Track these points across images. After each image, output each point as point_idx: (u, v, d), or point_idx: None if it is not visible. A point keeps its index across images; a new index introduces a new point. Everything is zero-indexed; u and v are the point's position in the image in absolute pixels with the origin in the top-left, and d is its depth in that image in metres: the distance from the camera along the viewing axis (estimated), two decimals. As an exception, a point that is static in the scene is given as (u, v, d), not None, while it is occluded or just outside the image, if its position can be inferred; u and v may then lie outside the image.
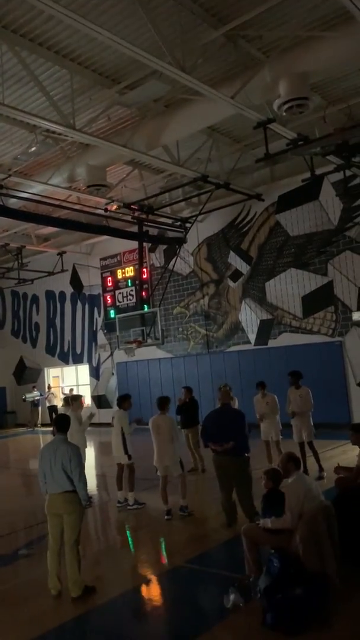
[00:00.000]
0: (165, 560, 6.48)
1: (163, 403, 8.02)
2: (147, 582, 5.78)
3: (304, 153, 11.24)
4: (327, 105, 11.34)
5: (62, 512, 5.29)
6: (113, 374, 20.92)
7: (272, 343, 16.42)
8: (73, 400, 9.48)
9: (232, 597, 4.67)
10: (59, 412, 11.64)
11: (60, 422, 5.65)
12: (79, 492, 5.28)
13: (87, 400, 20.83)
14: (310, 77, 9.10)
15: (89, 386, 21.93)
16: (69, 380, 23.38)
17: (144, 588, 5.63)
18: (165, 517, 7.61)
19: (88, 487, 5.50)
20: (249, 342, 16.98)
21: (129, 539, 7.55)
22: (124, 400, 8.76)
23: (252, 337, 16.92)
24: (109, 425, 9.07)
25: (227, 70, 9.87)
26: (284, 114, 9.34)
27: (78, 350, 22.50)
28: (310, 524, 4.75)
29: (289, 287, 16.04)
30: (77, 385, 22.34)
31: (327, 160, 12.14)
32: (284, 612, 4.25)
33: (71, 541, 5.26)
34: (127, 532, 7.78)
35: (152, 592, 5.57)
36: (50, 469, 5.33)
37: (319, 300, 15.43)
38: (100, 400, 20.96)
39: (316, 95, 9.38)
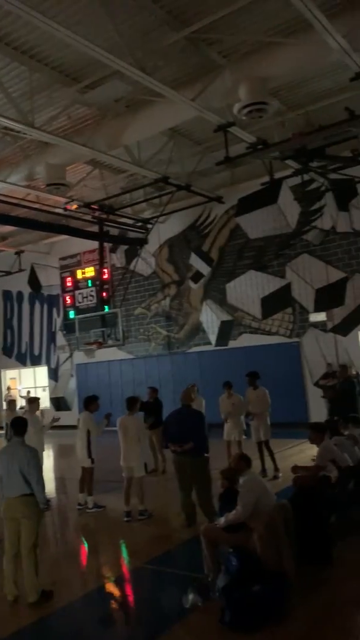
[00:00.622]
0: (125, 561, 6.46)
1: (131, 403, 7.96)
2: (107, 584, 5.74)
3: (263, 157, 11.44)
4: (286, 111, 11.58)
5: (19, 516, 5.19)
6: (72, 375, 20.69)
7: (232, 344, 16.60)
8: (30, 402, 9.34)
9: (190, 597, 4.69)
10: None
11: (17, 425, 5.55)
12: (36, 496, 5.21)
13: (46, 403, 20.56)
14: (270, 82, 9.27)
15: (47, 388, 21.60)
16: (26, 382, 22.96)
17: (103, 590, 5.58)
18: (125, 518, 7.58)
19: (46, 490, 5.42)
20: (209, 342, 17.11)
21: (89, 541, 7.48)
22: (90, 403, 8.57)
23: (212, 338, 17.06)
24: (68, 427, 8.96)
25: (188, 73, 9.92)
26: (244, 118, 9.48)
27: (36, 352, 22.12)
28: (268, 523, 4.83)
29: (249, 288, 16.26)
30: (35, 387, 21.96)
31: (285, 165, 12.38)
32: (241, 610, 4.30)
33: (28, 545, 5.17)
34: (87, 535, 7.70)
35: (112, 594, 5.53)
36: (7, 472, 5.24)
37: (277, 302, 15.70)
38: (59, 403, 20.72)
39: (275, 100, 9.54)
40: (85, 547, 7.28)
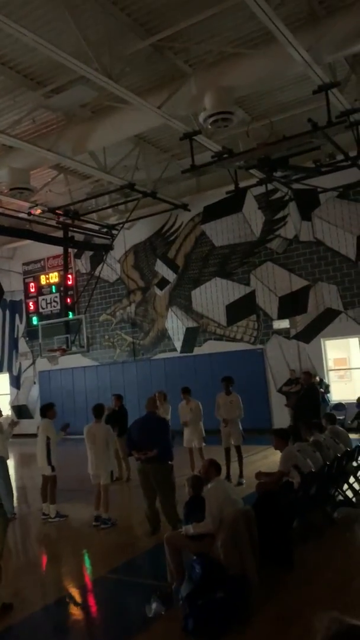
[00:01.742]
0: (88, 571, 6.36)
1: (98, 411, 7.90)
2: (69, 594, 5.64)
3: (228, 166, 11.54)
4: (250, 121, 11.75)
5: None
6: (35, 383, 20.35)
7: (197, 350, 16.66)
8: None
9: (153, 605, 4.65)
10: None
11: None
12: (4, 504, 5.08)
13: (7, 411, 20.12)
14: (235, 92, 9.40)
15: (8, 396, 21.17)
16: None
17: (66, 601, 5.48)
18: (93, 523, 7.51)
19: (7, 500, 5.29)
20: (175, 349, 17.12)
21: (51, 551, 7.34)
22: (48, 410, 8.49)
23: (178, 344, 17.08)
24: (30, 436, 8.80)
25: (154, 81, 9.97)
26: (210, 126, 9.57)
27: (-2, 358, 21.68)
28: (231, 529, 4.84)
29: (214, 295, 16.37)
30: (-3, 395, 21.50)
31: (250, 174, 12.54)
32: (204, 617, 4.29)
33: (-10, 556, 5.04)
34: (49, 544, 7.56)
35: (74, 604, 5.43)
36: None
37: (242, 309, 15.86)
38: (20, 411, 20.33)
39: (240, 110, 9.68)
40: (47, 557, 7.14)
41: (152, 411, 7.44)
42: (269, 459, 10.18)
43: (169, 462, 6.93)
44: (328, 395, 14.06)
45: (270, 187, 13.75)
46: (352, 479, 7.74)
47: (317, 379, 13.64)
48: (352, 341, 15.06)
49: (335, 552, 5.86)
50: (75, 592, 5.67)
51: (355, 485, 7.78)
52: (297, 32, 7.94)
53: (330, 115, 9.36)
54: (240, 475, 9.36)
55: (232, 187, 12.70)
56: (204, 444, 10.00)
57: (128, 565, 6.17)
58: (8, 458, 8.61)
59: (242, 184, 12.76)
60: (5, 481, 5.17)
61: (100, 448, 7.61)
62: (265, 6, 6.91)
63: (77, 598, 5.55)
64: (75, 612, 5.29)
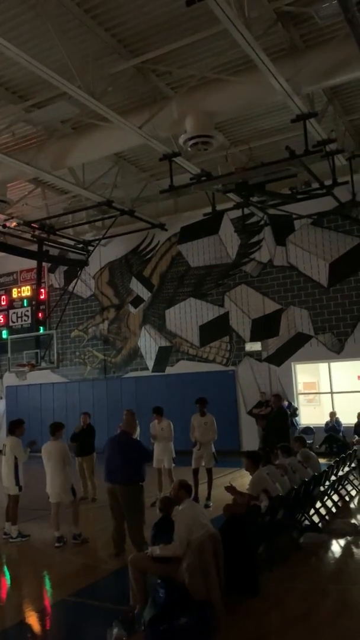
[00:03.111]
0: (47, 594, 6.17)
1: (55, 429, 7.78)
2: (28, 619, 5.44)
3: (206, 188, 11.68)
4: (230, 145, 11.96)
5: None
6: (1, 398, 19.93)
7: (169, 370, 16.60)
8: None
9: (115, 630, 4.52)
10: None
11: None
12: None
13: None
14: (215, 117, 9.56)
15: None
16: None
17: (23, 626, 5.28)
18: (56, 544, 7.32)
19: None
20: (146, 368, 17.03)
21: (10, 573, 7.09)
22: (16, 427, 8.26)
23: (150, 363, 17.00)
24: (-4, 453, 8.56)
25: (136, 101, 10.08)
26: (189, 149, 9.69)
27: (-35, 372, 21.17)
28: (198, 553, 4.77)
29: (188, 315, 16.40)
30: None
31: (227, 197, 12.71)
32: (167, 644, 4.20)
33: None
34: (9, 566, 7.31)
35: (32, 629, 5.24)
36: None
37: (215, 330, 15.92)
38: (-14, 426, 19.83)
39: (220, 135, 9.84)
40: (5, 579, 6.90)
41: (128, 431, 7.28)
42: (237, 481, 10.09)
43: (139, 484, 6.81)
44: (296, 418, 14.13)
45: (246, 211, 13.97)
46: (318, 504, 7.75)
47: (285, 402, 13.70)
48: (322, 366, 15.23)
49: (300, 578, 5.82)
50: (34, 616, 5.48)
51: (322, 510, 7.81)
52: (277, 62, 8.16)
53: (307, 144, 9.59)
54: (208, 498, 9.30)
55: (209, 210, 12.84)
56: (173, 465, 9.89)
57: (90, 587, 6.00)
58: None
59: (219, 207, 12.92)
60: None
61: (55, 466, 7.48)
62: (247, 35, 7.09)
63: (36, 622, 5.36)
64: (34, 637, 5.10)
